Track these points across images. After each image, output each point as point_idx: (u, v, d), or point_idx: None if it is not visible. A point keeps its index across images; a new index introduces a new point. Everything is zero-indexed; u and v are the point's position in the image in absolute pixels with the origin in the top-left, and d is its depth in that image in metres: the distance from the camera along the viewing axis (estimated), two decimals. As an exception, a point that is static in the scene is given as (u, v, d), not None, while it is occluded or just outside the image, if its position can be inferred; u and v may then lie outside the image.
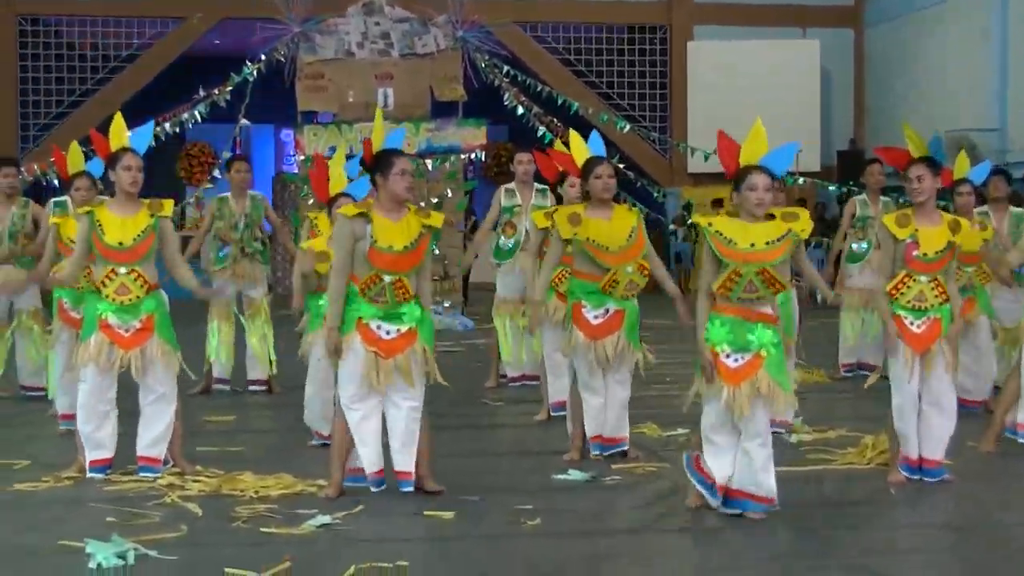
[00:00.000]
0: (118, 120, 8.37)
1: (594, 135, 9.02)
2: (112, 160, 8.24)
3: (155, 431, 8.26)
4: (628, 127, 23.35)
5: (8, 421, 10.55)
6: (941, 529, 7.26)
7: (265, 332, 12.06)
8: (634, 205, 8.69)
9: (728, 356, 7.11)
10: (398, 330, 7.50)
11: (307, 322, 9.28)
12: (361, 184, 8.62)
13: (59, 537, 6.67)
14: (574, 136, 9.03)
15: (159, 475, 8.13)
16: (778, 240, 7.07)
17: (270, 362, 12.11)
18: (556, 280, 9.55)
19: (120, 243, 8.11)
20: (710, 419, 7.20)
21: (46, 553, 6.49)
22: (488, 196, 26.71)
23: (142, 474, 8.15)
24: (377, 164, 7.54)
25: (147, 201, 8.28)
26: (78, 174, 9.20)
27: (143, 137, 8.39)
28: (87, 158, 9.74)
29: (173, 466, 8.30)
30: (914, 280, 7.91)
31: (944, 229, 7.91)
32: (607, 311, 8.62)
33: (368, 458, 7.59)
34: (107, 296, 8.13)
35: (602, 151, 8.89)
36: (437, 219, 7.64)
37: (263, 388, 12.09)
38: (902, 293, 7.94)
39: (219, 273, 12.02)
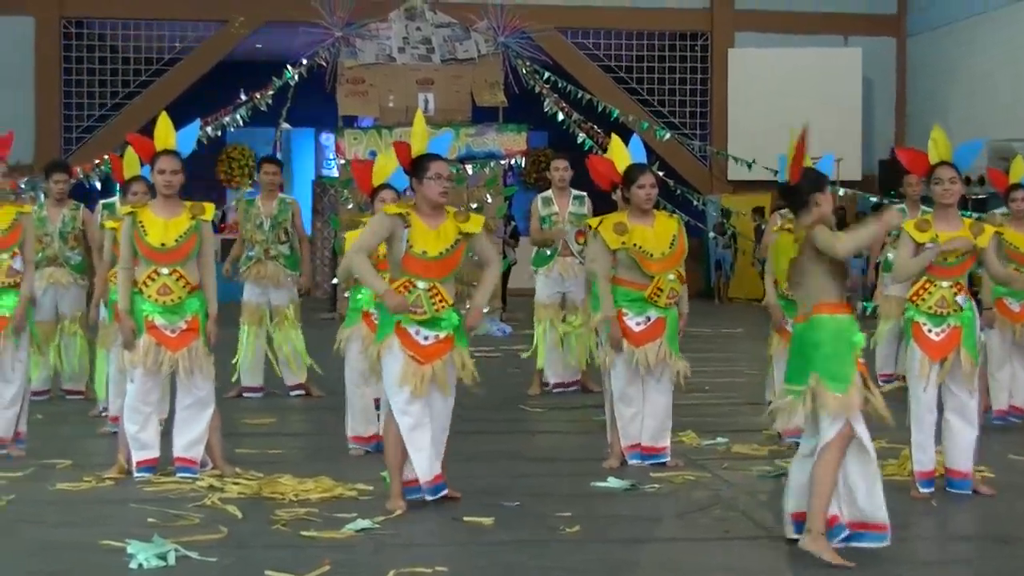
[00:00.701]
0: (163, 120, 8.39)
1: (635, 140, 8.96)
2: (151, 163, 8.30)
3: (193, 434, 8.30)
4: (668, 135, 23.32)
5: (50, 422, 10.60)
6: (967, 541, 7.20)
7: (293, 338, 12.07)
8: (673, 212, 8.64)
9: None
10: (436, 336, 7.45)
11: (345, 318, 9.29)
12: (403, 175, 8.55)
13: (101, 537, 6.69)
14: (615, 141, 8.98)
15: (196, 476, 8.16)
16: None
17: (301, 366, 12.14)
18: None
19: (162, 244, 8.15)
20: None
21: (88, 552, 6.51)
22: (526, 202, 26.81)
23: (180, 475, 8.18)
24: (414, 168, 7.52)
25: (189, 203, 8.32)
26: (134, 178, 9.23)
27: (188, 138, 8.41)
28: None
29: (213, 468, 8.33)
30: (935, 285, 7.88)
31: (965, 232, 7.86)
32: (648, 319, 8.61)
33: (422, 465, 7.42)
34: (149, 296, 8.17)
35: (643, 156, 8.85)
36: (476, 223, 7.57)
37: (301, 392, 12.11)
38: (923, 299, 7.90)
39: (245, 275, 12.04)
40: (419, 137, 7.58)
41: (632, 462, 8.72)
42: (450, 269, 7.49)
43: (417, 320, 7.41)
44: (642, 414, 8.75)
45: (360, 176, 8.96)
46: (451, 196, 7.61)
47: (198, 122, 8.67)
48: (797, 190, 6.76)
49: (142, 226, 8.19)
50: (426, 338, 7.43)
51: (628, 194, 8.69)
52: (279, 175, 12.17)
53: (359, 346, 8.92)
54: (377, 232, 7.47)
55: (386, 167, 8.62)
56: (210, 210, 8.39)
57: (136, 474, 8.24)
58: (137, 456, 8.31)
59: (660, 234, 8.63)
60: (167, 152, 8.25)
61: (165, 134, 8.30)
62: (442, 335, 7.46)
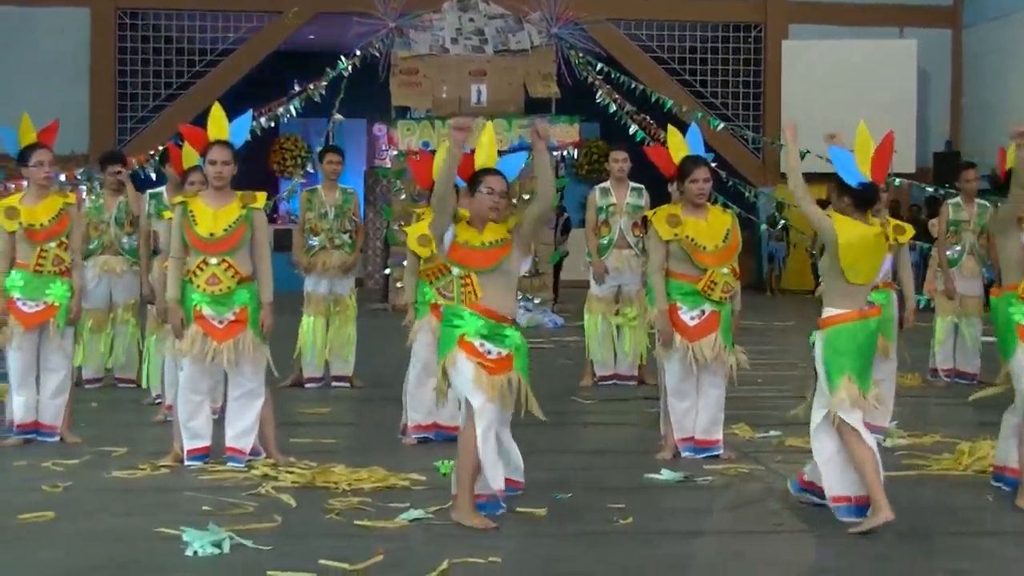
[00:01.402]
0: (217, 110, 8.42)
1: (693, 130, 8.86)
2: (203, 153, 8.34)
3: (242, 424, 8.35)
4: (722, 125, 23.22)
5: (105, 410, 10.68)
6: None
7: (350, 330, 12.09)
8: (727, 206, 8.57)
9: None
10: (499, 352, 7.13)
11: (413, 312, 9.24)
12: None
13: (157, 524, 6.74)
14: (672, 132, 8.91)
15: (246, 465, 8.21)
16: None
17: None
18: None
19: (211, 234, 8.20)
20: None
21: (144, 539, 6.56)
22: (578, 194, 26.77)
23: (230, 464, 8.24)
24: (471, 180, 7.31)
25: (240, 193, 8.37)
26: (192, 168, 9.28)
27: (241, 129, 8.44)
28: None
29: (266, 457, 8.37)
30: None
31: None
32: (703, 312, 8.58)
33: (493, 473, 7.06)
34: (198, 286, 8.22)
35: (701, 147, 8.76)
36: (514, 219, 7.47)
37: (345, 384, 12.13)
38: None
39: (310, 264, 12.05)
40: (486, 147, 7.37)
41: (685, 455, 8.70)
42: (491, 262, 7.17)
43: (482, 332, 7.13)
44: (696, 408, 8.73)
45: (419, 171, 8.99)
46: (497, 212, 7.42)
47: (251, 113, 8.69)
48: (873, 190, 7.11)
49: (192, 216, 8.24)
50: (489, 352, 7.12)
51: (682, 188, 8.66)
52: (342, 164, 12.19)
53: (428, 338, 8.94)
54: (441, 221, 7.28)
55: None
56: (261, 199, 8.43)
57: (187, 462, 8.30)
58: (188, 445, 8.37)
59: (713, 227, 8.60)
60: (219, 143, 8.28)
61: (218, 124, 8.34)
62: (504, 352, 7.16)
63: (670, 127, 9.10)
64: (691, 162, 8.61)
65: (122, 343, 11.90)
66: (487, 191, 7.18)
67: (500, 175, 7.25)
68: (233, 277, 8.23)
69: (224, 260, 8.22)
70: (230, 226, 8.23)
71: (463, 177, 7.33)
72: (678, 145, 8.71)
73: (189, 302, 8.28)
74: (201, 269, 8.21)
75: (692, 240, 8.52)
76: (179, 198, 8.45)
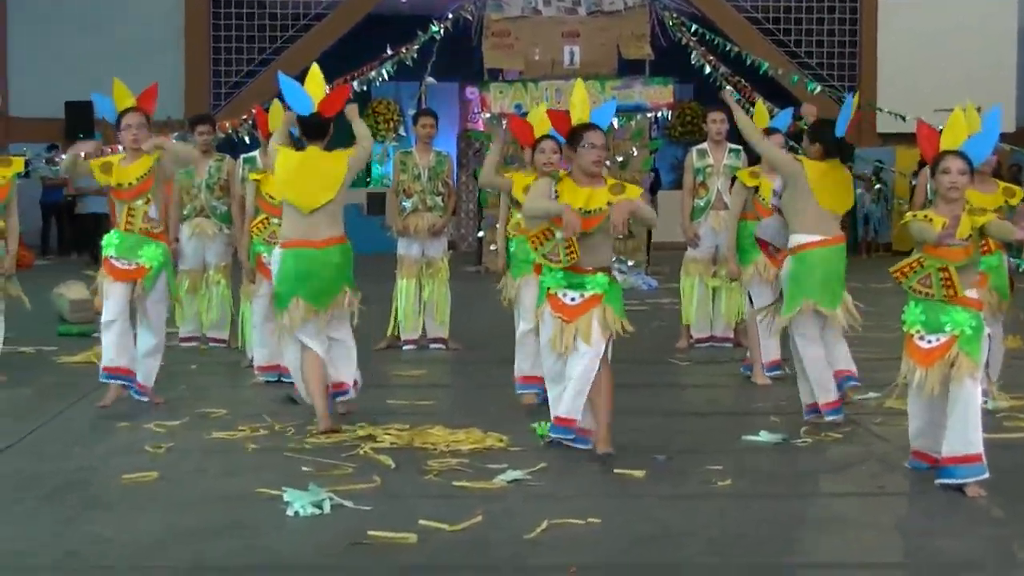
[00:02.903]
0: (315, 73, 8.54)
1: (782, 115, 9.43)
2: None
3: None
4: (819, 88, 22.92)
5: (203, 372, 10.78)
6: None
7: (444, 292, 12.10)
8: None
9: (922, 339, 7.00)
10: (582, 295, 7.56)
11: (510, 269, 9.38)
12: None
13: (257, 485, 6.81)
14: (759, 108, 9.44)
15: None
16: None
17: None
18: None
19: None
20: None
21: (246, 500, 6.62)
22: (671, 155, 26.58)
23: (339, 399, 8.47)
24: (570, 137, 7.65)
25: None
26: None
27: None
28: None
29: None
30: None
31: None
32: None
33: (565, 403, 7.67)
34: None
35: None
36: (633, 192, 7.58)
37: (440, 346, 12.14)
38: None
39: (403, 227, 12.04)
40: (579, 106, 7.74)
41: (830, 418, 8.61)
42: (591, 225, 7.48)
43: (562, 283, 7.55)
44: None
45: (520, 131, 9.15)
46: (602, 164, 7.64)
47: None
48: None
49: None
50: (572, 299, 7.57)
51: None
52: (435, 127, 12.17)
53: (534, 291, 8.97)
54: (543, 190, 7.56)
55: (545, 120, 8.71)
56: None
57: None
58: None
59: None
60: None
61: (316, 88, 8.40)
62: (587, 295, 7.55)
63: (758, 104, 9.30)
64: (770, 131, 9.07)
65: (215, 304, 12.03)
66: (589, 145, 7.49)
67: (598, 129, 7.61)
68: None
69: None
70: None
71: (561, 133, 7.81)
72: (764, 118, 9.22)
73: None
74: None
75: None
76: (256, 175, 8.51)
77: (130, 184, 9.06)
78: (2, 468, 7.39)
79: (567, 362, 7.60)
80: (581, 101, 7.80)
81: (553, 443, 7.73)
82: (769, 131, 9.07)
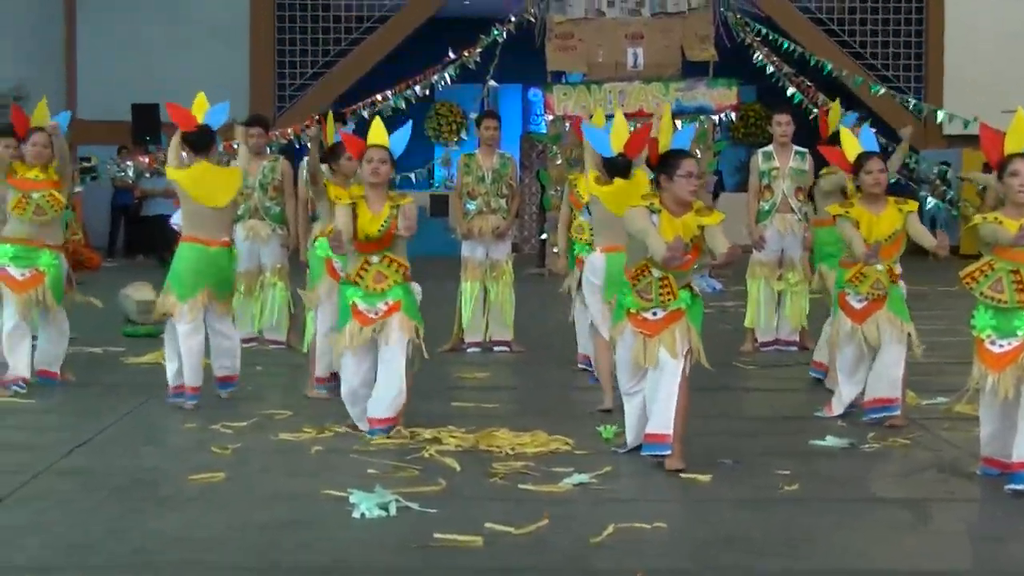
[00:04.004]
0: (377, 123, 8.50)
1: (866, 131, 9.03)
2: (361, 156, 8.39)
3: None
4: (883, 90, 22.73)
5: (268, 373, 10.83)
6: None
7: (508, 294, 12.09)
8: (905, 203, 8.53)
9: (993, 343, 6.94)
10: (664, 311, 7.46)
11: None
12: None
13: (323, 486, 6.83)
14: (845, 132, 9.03)
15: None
16: None
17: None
18: None
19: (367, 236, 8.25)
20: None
21: (312, 501, 6.65)
22: (734, 158, 26.46)
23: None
24: (663, 164, 7.46)
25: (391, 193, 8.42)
26: (337, 144, 9.40)
27: (400, 141, 8.48)
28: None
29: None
30: None
31: None
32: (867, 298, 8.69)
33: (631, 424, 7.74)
34: (366, 286, 8.29)
35: (874, 145, 8.83)
36: (715, 218, 7.49)
37: (504, 348, 12.14)
38: None
39: (467, 229, 12.05)
40: (666, 132, 7.61)
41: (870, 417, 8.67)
42: (689, 266, 7.46)
43: (648, 307, 7.47)
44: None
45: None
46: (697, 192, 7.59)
47: (410, 124, 8.73)
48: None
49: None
50: (654, 313, 7.46)
51: (858, 180, 8.68)
52: (499, 130, 12.18)
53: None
54: (644, 216, 7.39)
55: (622, 129, 8.73)
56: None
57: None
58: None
59: (883, 223, 8.55)
60: (375, 146, 8.36)
61: (378, 133, 8.40)
62: (670, 309, 7.46)
63: (843, 130, 9.15)
64: (865, 155, 8.67)
65: (270, 305, 12.08)
66: (686, 175, 7.36)
67: (692, 156, 7.52)
68: (398, 270, 8.29)
69: (386, 256, 8.28)
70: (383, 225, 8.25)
71: (651, 160, 7.61)
72: (851, 144, 8.81)
73: (345, 298, 8.37)
74: (366, 269, 8.26)
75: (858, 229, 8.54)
76: (347, 200, 8.40)
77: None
78: (71, 467, 7.46)
79: (648, 377, 7.51)
80: (668, 126, 7.66)
81: (622, 451, 7.71)
82: (867, 155, 8.83)
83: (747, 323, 12.12)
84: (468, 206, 12.06)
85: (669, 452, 7.32)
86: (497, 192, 12.04)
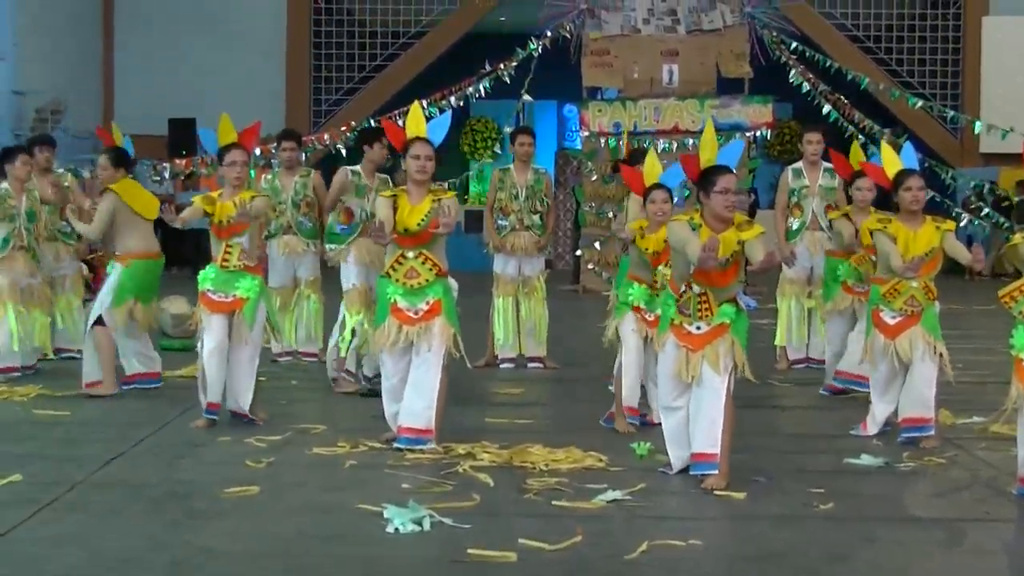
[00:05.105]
0: (416, 109, 8.51)
1: (907, 148, 8.99)
2: (404, 149, 8.39)
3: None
4: (920, 104, 22.64)
5: (302, 387, 10.85)
6: None
7: (541, 311, 12.09)
8: (943, 222, 8.51)
9: None
10: (709, 325, 7.44)
11: (614, 307, 9.28)
12: (673, 173, 8.67)
13: (357, 500, 6.84)
14: (886, 148, 8.98)
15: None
16: None
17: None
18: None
19: (406, 229, 8.26)
20: None
21: (347, 515, 6.66)
22: (770, 175, 26.41)
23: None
24: (702, 180, 7.43)
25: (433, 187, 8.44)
26: (377, 129, 9.41)
27: (440, 128, 8.48)
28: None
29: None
30: None
31: None
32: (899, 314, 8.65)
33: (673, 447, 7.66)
34: (396, 280, 8.30)
35: (914, 163, 8.80)
36: (753, 232, 7.44)
37: (538, 365, 12.14)
38: None
39: (500, 245, 12.06)
40: (708, 147, 7.53)
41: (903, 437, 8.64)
42: (728, 280, 7.43)
43: (689, 321, 7.47)
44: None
45: (631, 179, 9.14)
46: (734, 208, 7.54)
47: (449, 114, 8.75)
48: None
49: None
50: (698, 327, 7.45)
51: (896, 197, 8.64)
52: (533, 146, 12.18)
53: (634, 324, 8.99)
54: (684, 227, 7.40)
55: (655, 168, 8.77)
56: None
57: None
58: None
59: (920, 240, 8.52)
60: (422, 139, 8.35)
61: (416, 122, 8.39)
62: (714, 323, 7.44)
63: (884, 145, 9.12)
64: (905, 173, 8.63)
65: (305, 318, 12.11)
66: (722, 191, 7.32)
67: (730, 172, 7.41)
68: (431, 269, 8.31)
69: (421, 253, 8.30)
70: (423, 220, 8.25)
71: (691, 177, 7.58)
72: (892, 161, 8.77)
73: (384, 296, 8.38)
74: (400, 263, 8.29)
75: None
76: (388, 193, 8.43)
77: (229, 220, 9.09)
78: (109, 478, 7.50)
79: (692, 396, 7.50)
80: (710, 141, 7.57)
81: (671, 472, 7.67)
82: (906, 172, 8.69)
83: (777, 341, 12.09)
84: (501, 222, 12.06)
85: (716, 472, 7.31)
86: (531, 209, 12.03)
